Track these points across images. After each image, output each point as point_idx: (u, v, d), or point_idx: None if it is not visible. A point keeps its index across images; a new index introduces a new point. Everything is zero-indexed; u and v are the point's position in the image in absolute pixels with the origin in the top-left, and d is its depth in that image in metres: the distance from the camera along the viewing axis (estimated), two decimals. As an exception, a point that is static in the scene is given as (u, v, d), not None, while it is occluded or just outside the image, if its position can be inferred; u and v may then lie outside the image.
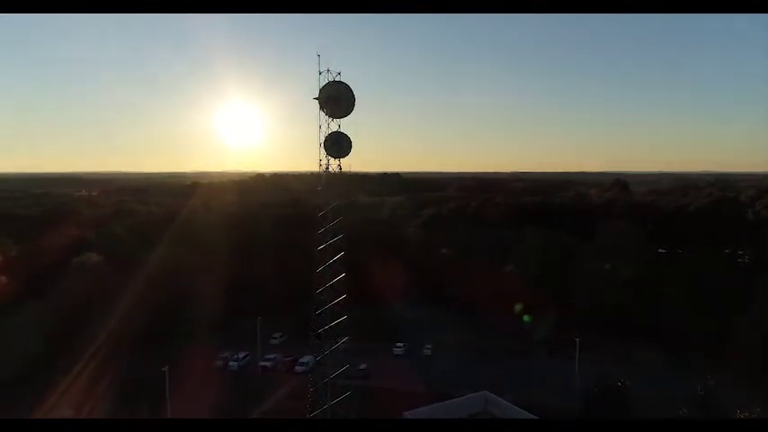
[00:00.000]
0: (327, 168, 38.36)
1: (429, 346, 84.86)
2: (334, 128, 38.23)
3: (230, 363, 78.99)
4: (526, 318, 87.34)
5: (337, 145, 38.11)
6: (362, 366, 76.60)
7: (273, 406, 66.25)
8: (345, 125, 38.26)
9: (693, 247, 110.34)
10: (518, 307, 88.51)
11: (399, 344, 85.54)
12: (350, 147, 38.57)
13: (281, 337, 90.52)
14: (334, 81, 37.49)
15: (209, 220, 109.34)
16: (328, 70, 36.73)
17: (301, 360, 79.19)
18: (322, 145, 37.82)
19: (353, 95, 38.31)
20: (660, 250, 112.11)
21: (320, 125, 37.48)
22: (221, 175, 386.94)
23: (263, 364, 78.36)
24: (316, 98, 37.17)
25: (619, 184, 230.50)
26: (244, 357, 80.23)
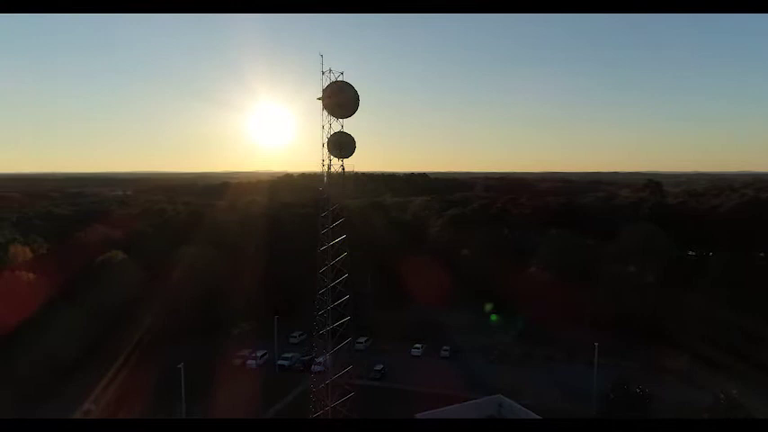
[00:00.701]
0: (330, 168, 38.32)
1: (447, 348, 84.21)
2: (338, 128, 38.18)
3: (248, 361, 79.87)
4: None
5: (341, 145, 38.05)
6: (378, 367, 76.56)
7: (285, 406, 66.70)
8: (350, 125, 38.22)
9: (726, 249, 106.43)
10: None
11: (417, 345, 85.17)
12: (354, 147, 38.46)
13: (300, 335, 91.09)
14: (337, 81, 37.44)
15: (232, 219, 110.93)
16: (330, 70, 36.76)
17: (318, 359, 79.42)
18: (325, 145, 37.82)
19: (357, 95, 38.20)
20: (690, 253, 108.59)
21: (323, 125, 37.53)
22: (251, 174, 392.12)
23: (280, 362, 79.01)
24: (319, 98, 37.21)
25: (651, 184, 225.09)
26: (262, 356, 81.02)
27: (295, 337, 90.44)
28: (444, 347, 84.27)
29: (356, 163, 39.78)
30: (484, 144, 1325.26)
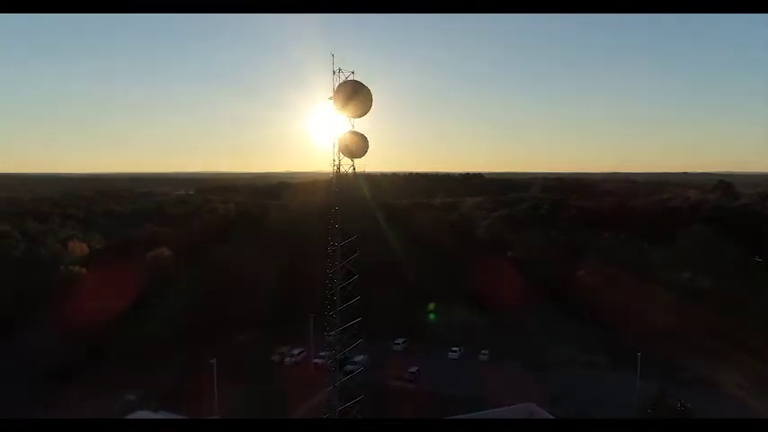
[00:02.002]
0: (338, 169, 38.01)
1: (486, 352, 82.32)
2: (356, 128, 37.88)
3: (286, 358, 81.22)
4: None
5: (354, 145, 37.70)
6: (413, 369, 75.84)
7: (311, 406, 67.11)
8: (361, 125, 37.78)
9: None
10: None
11: (455, 348, 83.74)
12: (366, 147, 38.02)
13: (336, 335, 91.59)
14: (349, 80, 37.12)
15: (280, 217, 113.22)
16: (340, 70, 36.49)
17: (353, 359, 79.63)
18: (336, 145, 37.60)
19: (371, 94, 37.75)
20: (757, 259, 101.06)
21: (335, 125, 37.30)
22: (310, 175, 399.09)
23: (315, 361, 79.77)
24: (330, 98, 37.05)
25: (722, 185, 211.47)
26: (299, 353, 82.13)
27: (332, 335, 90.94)
28: (483, 351, 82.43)
29: (368, 163, 39.23)
30: (545, 144, 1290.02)
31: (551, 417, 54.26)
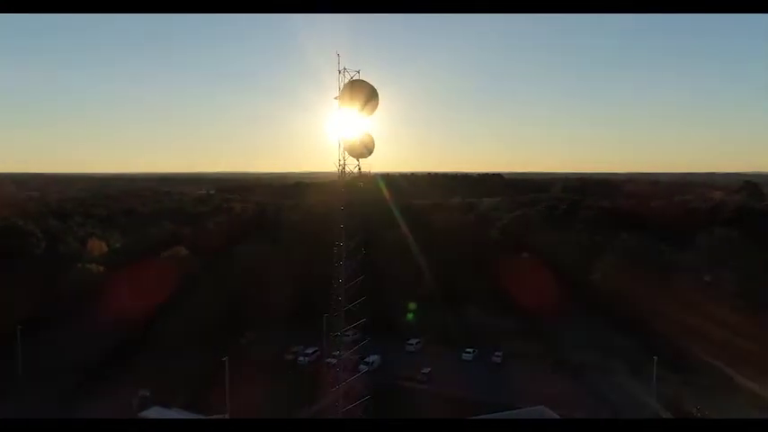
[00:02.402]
0: (343, 169, 38.08)
1: (499, 354, 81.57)
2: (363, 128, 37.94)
3: (299, 358, 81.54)
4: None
5: (359, 145, 37.71)
6: (426, 370, 75.51)
7: (322, 406, 67.28)
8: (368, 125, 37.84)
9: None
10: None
11: (469, 349, 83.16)
12: (372, 147, 38.02)
13: (353, 334, 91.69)
14: (356, 79, 37.16)
15: (295, 217, 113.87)
16: (345, 69, 36.51)
17: (366, 359, 79.69)
18: (342, 145, 37.64)
19: (377, 94, 37.75)
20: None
21: (340, 125, 37.33)
22: (328, 175, 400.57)
23: (329, 360, 79.88)
24: (336, 98, 37.11)
25: (748, 186, 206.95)
26: (313, 353, 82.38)
27: (348, 335, 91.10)
28: (496, 353, 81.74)
29: (378, 163, 39.31)
30: (568, 144, 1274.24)
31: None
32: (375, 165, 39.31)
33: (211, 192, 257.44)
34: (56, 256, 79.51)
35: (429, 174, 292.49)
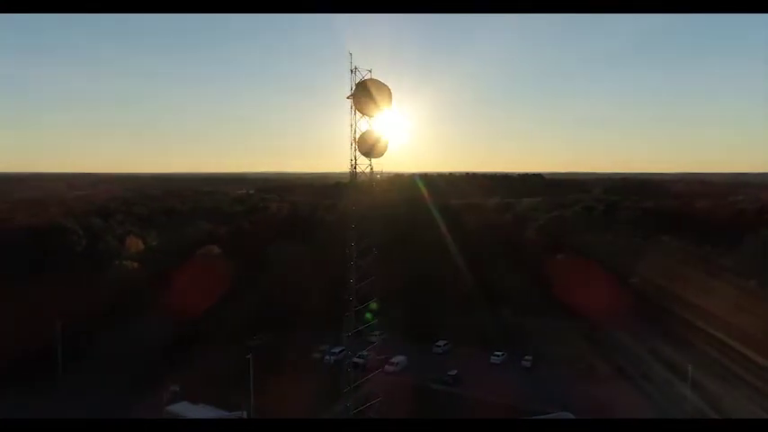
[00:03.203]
0: (354, 169, 37.79)
1: (529, 357, 79.78)
2: (375, 127, 37.58)
3: (326, 356, 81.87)
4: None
5: (372, 144, 37.35)
6: (453, 372, 74.62)
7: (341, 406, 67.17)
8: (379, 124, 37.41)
9: None
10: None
11: (498, 352, 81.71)
12: (385, 147, 37.59)
13: (380, 335, 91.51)
14: (368, 78, 36.82)
15: (326, 217, 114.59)
16: (356, 68, 36.19)
17: (392, 360, 79.37)
18: (354, 144, 37.35)
19: (390, 92, 37.30)
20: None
21: (352, 124, 37.11)
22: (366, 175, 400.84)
23: (354, 360, 79.81)
24: (349, 97, 36.86)
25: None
26: (339, 352, 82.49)
27: (375, 335, 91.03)
28: (526, 357, 79.95)
29: (388, 162, 38.91)
30: (614, 143, 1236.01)
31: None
32: (386, 164, 38.90)
33: (251, 191, 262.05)
34: (95, 254, 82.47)
35: (468, 174, 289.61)
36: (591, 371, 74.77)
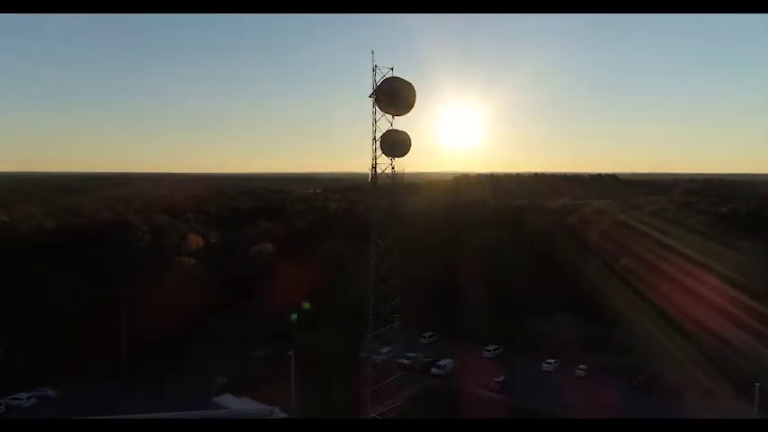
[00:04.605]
0: (375, 169, 37.20)
1: (584, 367, 75.99)
2: (397, 126, 36.96)
3: (373, 356, 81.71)
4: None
5: (395, 144, 36.70)
6: (499, 378, 72.40)
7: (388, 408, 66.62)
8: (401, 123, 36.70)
9: None
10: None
11: (550, 359, 78.50)
12: (408, 146, 36.82)
13: (430, 336, 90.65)
14: (392, 77, 36.19)
15: (380, 217, 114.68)
16: (376, 67, 35.60)
17: (439, 363, 78.22)
18: (377, 143, 36.80)
19: (414, 91, 36.50)
20: None
21: (374, 122, 36.57)
22: (435, 175, 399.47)
23: (401, 361, 79.38)
24: (371, 96, 36.34)
25: None
26: (387, 352, 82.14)
27: (425, 337, 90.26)
28: (581, 365, 76.23)
29: (411, 163, 38.09)
30: (699, 142, 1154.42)
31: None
32: (408, 164, 38.11)
33: (318, 191, 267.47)
34: (157, 250, 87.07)
35: (536, 174, 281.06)
36: (649, 384, 70.29)
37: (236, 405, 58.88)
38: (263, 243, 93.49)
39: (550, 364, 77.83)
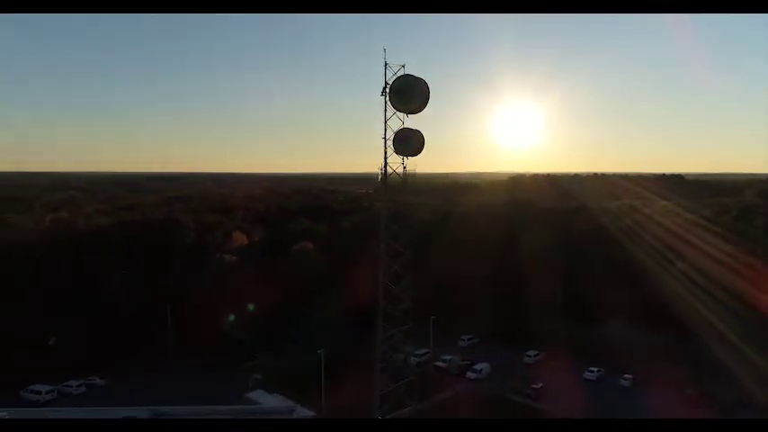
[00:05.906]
0: (385, 168, 36.41)
1: (629, 376, 72.15)
2: (408, 124, 36.09)
3: (411, 358, 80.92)
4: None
5: (407, 142, 35.84)
6: (537, 385, 69.85)
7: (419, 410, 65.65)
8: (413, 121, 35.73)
9: None
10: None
11: (593, 368, 75.05)
12: (422, 145, 35.85)
13: (470, 339, 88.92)
14: (405, 74, 35.36)
15: (425, 218, 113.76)
16: (387, 64, 34.82)
17: (475, 366, 76.45)
18: (390, 141, 36.00)
19: (428, 89, 35.52)
20: None
21: (385, 120, 35.81)
22: (492, 175, 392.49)
23: (437, 363, 78.31)
24: (382, 94, 35.61)
25: None
26: (423, 354, 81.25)
27: (464, 340, 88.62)
28: (626, 375, 72.38)
29: (422, 162, 37.06)
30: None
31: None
32: (420, 164, 37.08)
33: (370, 191, 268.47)
34: (201, 247, 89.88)
35: (596, 174, 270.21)
36: (699, 397, 65.78)
37: (265, 401, 59.79)
38: (303, 242, 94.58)
39: (593, 372, 74.47)
